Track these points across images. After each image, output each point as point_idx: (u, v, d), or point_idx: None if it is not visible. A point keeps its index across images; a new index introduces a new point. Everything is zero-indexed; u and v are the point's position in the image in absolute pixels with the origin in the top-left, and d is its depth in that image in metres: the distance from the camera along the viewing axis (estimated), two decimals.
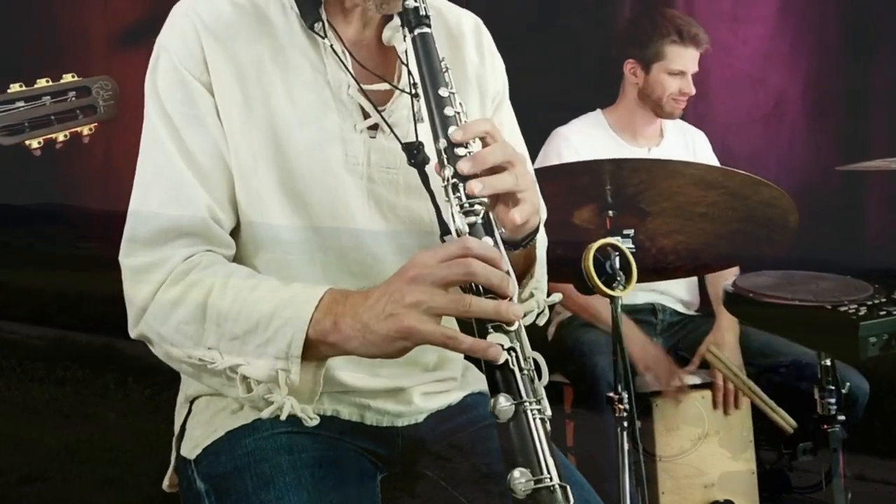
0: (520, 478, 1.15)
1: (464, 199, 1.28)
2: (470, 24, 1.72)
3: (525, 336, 1.25)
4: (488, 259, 1.22)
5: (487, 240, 1.27)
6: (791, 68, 4.35)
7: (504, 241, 1.35)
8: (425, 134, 1.39)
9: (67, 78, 1.71)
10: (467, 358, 1.47)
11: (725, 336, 2.91)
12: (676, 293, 3.18)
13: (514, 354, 1.20)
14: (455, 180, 1.29)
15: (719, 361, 2.79)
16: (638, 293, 3.07)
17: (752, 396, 2.76)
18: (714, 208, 2.28)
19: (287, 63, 1.52)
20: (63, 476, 3.89)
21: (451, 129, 1.32)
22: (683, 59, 3.05)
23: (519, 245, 1.45)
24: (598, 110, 3.25)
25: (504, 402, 1.18)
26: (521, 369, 1.20)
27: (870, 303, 2.23)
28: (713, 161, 3.27)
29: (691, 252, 2.43)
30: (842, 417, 2.41)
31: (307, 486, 1.42)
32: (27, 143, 1.68)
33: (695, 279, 3.21)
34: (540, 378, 1.24)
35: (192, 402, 1.64)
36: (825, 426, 2.42)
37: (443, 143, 1.31)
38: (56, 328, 6.92)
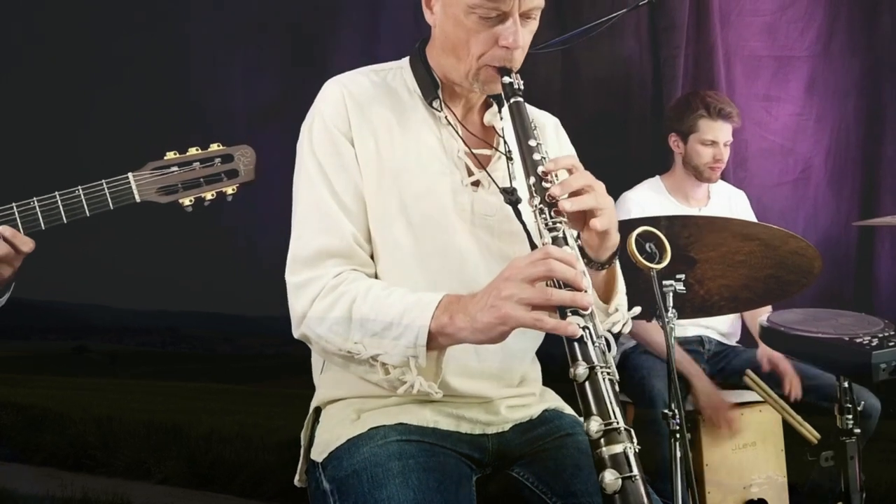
0: (594, 423, 1.32)
1: (548, 219, 1.50)
2: (551, 121, 1.96)
3: (597, 318, 1.43)
4: (565, 260, 1.41)
5: (566, 248, 1.46)
6: (816, 140, 4.56)
7: (591, 261, 1.59)
8: (517, 189, 1.66)
9: (214, 147, 1.86)
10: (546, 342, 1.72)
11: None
12: (719, 327, 3.46)
13: (587, 331, 1.38)
14: (542, 206, 1.51)
15: (755, 384, 3.05)
16: (688, 327, 3.36)
17: (783, 412, 2.99)
18: (751, 257, 2.46)
19: (411, 129, 1.75)
20: None
21: (540, 167, 1.53)
22: (714, 130, 3.33)
23: (603, 266, 1.64)
24: (657, 177, 3.55)
25: (581, 367, 1.36)
26: (593, 342, 1.38)
27: (881, 335, 2.37)
28: (751, 216, 3.54)
29: (732, 293, 2.60)
30: (857, 430, 2.54)
31: (414, 486, 1.54)
32: (180, 201, 1.83)
33: (735, 315, 3.46)
34: (610, 350, 1.41)
35: (318, 412, 1.82)
36: (844, 438, 2.53)
37: (532, 179, 1.54)
38: None
